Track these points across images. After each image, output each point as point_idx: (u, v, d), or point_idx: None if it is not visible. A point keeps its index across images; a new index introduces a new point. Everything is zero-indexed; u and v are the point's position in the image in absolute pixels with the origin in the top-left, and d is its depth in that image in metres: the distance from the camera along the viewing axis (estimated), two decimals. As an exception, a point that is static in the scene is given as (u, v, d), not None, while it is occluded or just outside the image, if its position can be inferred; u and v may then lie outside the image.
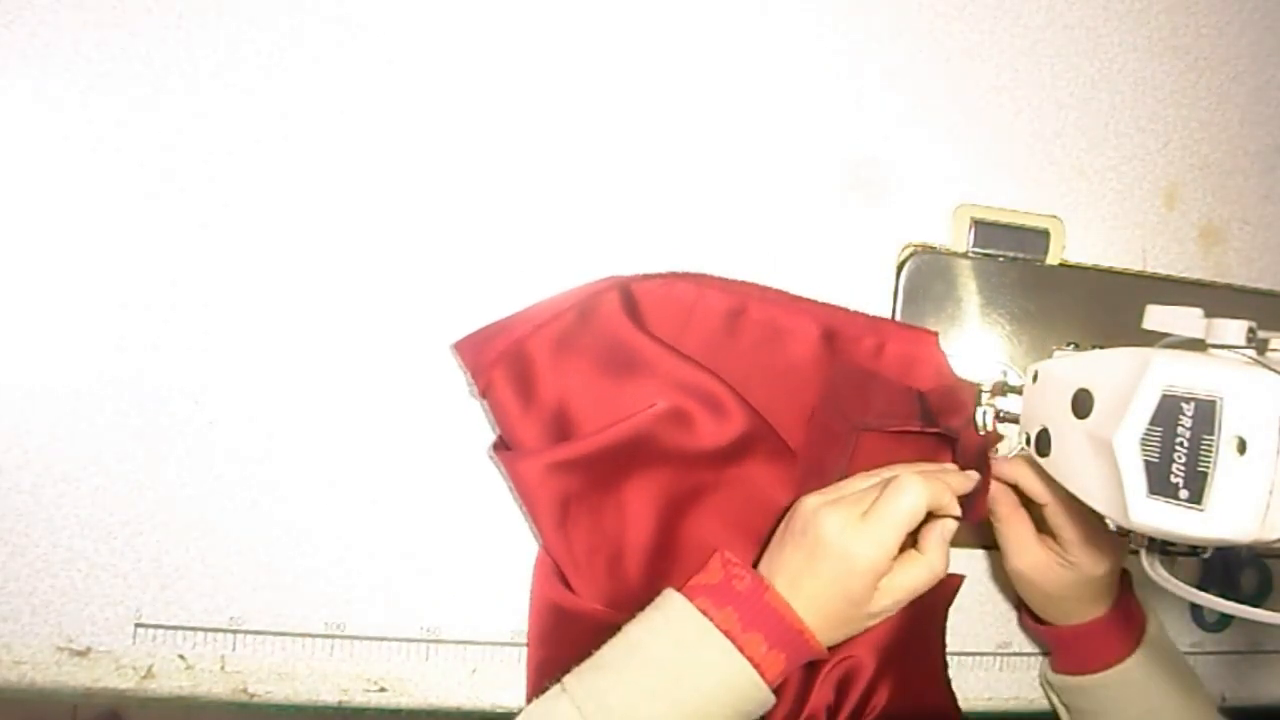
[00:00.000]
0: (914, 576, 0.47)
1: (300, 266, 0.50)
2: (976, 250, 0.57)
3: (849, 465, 0.53)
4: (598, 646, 0.46)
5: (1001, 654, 0.59)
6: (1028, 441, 0.49)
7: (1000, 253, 0.57)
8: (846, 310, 0.55)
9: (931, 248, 0.57)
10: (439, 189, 0.51)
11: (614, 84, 0.53)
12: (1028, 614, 0.57)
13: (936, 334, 0.55)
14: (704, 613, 0.44)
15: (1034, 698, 0.60)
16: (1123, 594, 0.54)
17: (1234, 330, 0.39)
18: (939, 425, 0.53)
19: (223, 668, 0.49)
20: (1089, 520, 0.50)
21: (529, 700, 0.49)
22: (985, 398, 0.54)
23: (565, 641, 0.49)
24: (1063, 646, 0.56)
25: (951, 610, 0.58)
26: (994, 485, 0.52)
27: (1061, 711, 0.57)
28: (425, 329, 0.51)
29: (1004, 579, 0.60)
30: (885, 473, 0.50)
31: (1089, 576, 0.51)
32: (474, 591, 0.52)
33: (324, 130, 0.50)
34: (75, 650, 0.48)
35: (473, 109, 0.51)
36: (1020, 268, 0.58)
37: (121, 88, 0.47)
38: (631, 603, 0.48)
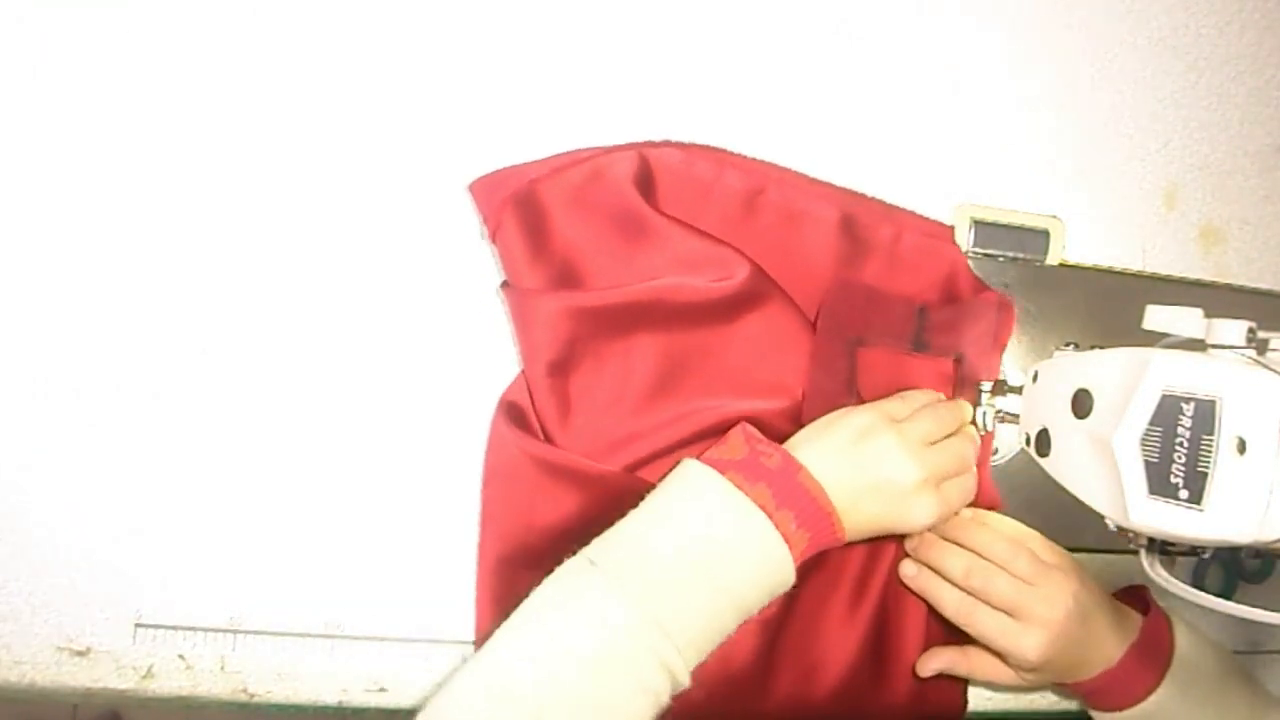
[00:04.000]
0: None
1: (300, 264, 0.50)
2: (976, 250, 0.57)
3: (853, 384, 0.53)
4: (567, 497, 0.48)
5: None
6: (1028, 441, 0.49)
7: (1000, 253, 0.57)
8: (865, 196, 0.55)
9: (931, 248, 0.57)
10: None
11: (619, 83, 0.53)
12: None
13: (952, 228, 0.56)
14: (738, 488, 0.43)
15: (1034, 697, 0.60)
16: (1145, 624, 0.52)
17: (1234, 330, 0.39)
18: (932, 348, 0.54)
19: (223, 668, 0.49)
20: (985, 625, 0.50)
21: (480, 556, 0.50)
22: (985, 398, 0.54)
23: (530, 489, 0.49)
24: (1088, 695, 0.54)
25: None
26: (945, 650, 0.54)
27: None
28: (425, 332, 0.51)
29: (1004, 579, 0.60)
30: (923, 396, 0.52)
31: (1036, 668, 0.50)
32: (474, 592, 0.52)
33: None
34: (75, 650, 0.48)
35: None
36: (1020, 268, 0.58)
37: (117, 81, 0.47)
38: (613, 452, 0.49)
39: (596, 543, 0.44)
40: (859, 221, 0.54)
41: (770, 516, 0.43)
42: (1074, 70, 0.59)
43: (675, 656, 0.41)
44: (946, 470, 0.49)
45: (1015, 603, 0.49)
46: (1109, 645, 0.50)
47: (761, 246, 0.52)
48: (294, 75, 0.49)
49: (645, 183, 0.51)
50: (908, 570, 0.53)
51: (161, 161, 0.48)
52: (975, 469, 0.51)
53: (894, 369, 0.54)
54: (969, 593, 0.51)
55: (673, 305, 0.50)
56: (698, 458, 0.46)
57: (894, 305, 0.54)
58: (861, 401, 0.53)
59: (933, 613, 0.53)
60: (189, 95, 0.48)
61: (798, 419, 0.51)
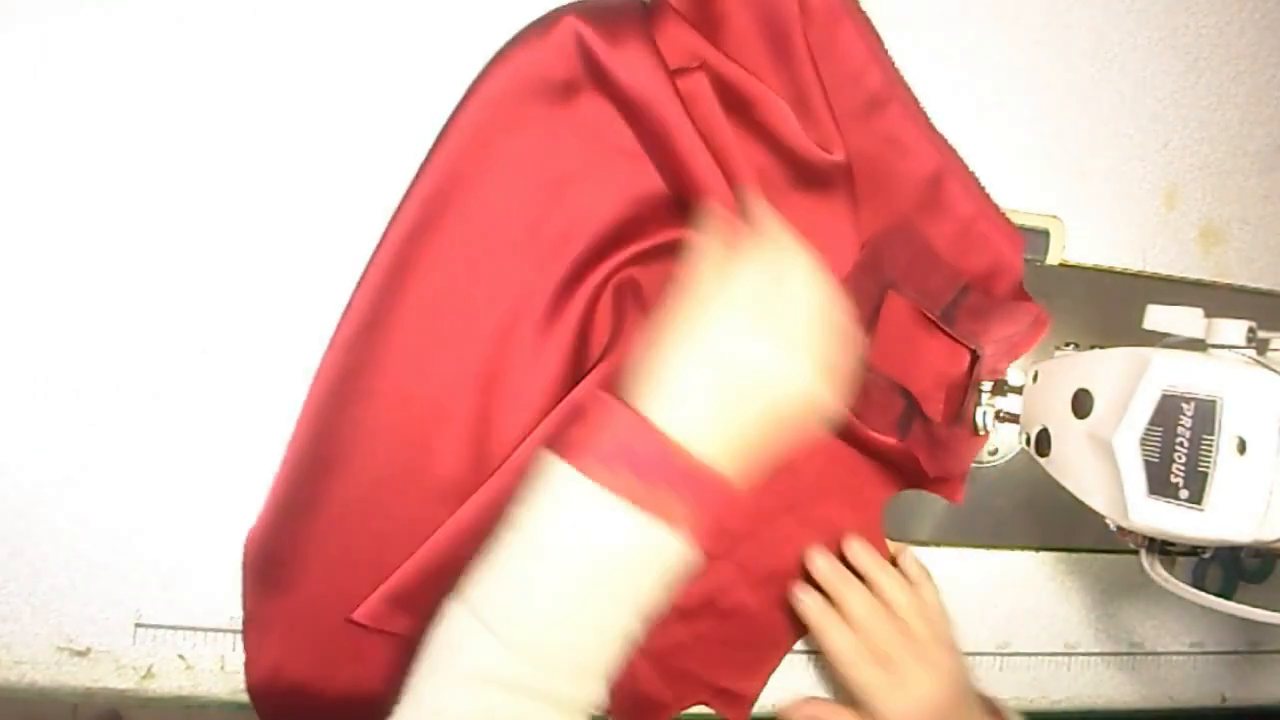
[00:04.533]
0: None
1: (300, 264, 0.49)
2: (976, 250, 0.57)
3: (874, 322, 0.53)
4: None
5: (1001, 654, 0.59)
6: (1028, 441, 0.49)
7: (1000, 253, 0.57)
8: (967, 168, 0.55)
9: (931, 248, 0.57)
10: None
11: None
12: None
13: (1024, 239, 0.56)
14: (599, 483, 0.37)
15: (1034, 698, 0.60)
16: None
17: (1234, 330, 0.39)
18: (956, 327, 0.53)
19: (223, 668, 0.49)
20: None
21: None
22: (985, 398, 0.54)
23: None
24: None
25: (952, 611, 0.58)
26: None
27: None
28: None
29: (1004, 580, 0.60)
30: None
31: None
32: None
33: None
34: (75, 650, 0.48)
35: None
36: (1020, 268, 0.58)
37: (117, 81, 0.47)
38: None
39: (474, 583, 0.39)
40: (947, 185, 0.54)
41: (641, 502, 0.37)
42: (1074, 70, 0.59)
43: (574, 693, 0.38)
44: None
45: (899, 659, 0.50)
46: None
47: (856, 152, 0.52)
48: (296, 75, 0.49)
49: (808, 16, 0.51)
50: (805, 600, 0.52)
51: (162, 161, 0.48)
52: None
53: (912, 335, 0.54)
54: (857, 633, 0.51)
55: (780, 135, 0.49)
56: (559, 452, 0.39)
57: (942, 269, 0.54)
58: (872, 351, 0.53)
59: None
60: (189, 94, 0.48)
61: None
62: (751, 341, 0.39)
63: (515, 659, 0.37)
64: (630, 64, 0.47)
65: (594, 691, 0.39)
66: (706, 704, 0.54)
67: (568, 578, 0.38)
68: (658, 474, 0.38)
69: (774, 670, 0.55)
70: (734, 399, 0.39)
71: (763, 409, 0.40)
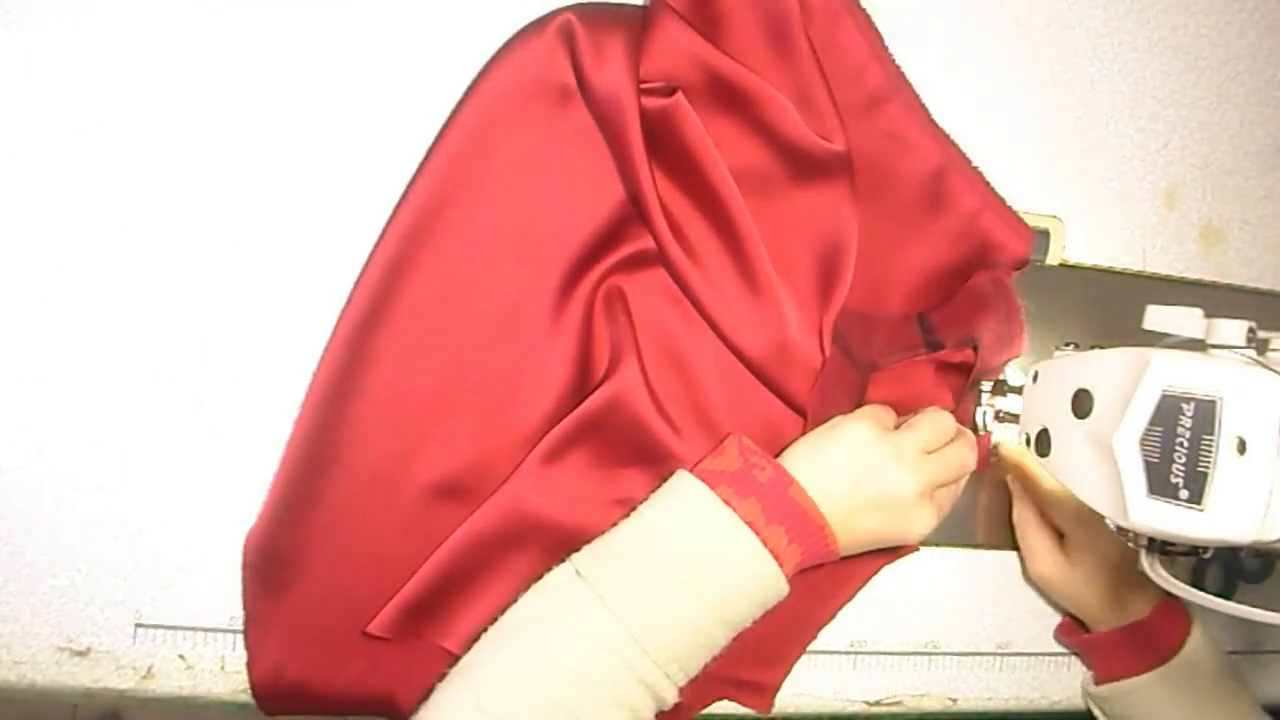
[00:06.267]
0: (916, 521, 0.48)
1: (301, 263, 0.49)
2: (976, 250, 0.57)
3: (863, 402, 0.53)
4: None
5: (1001, 654, 0.59)
6: (1028, 442, 0.49)
7: (1000, 253, 0.57)
8: (969, 162, 0.55)
9: (931, 248, 0.57)
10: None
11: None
12: (1065, 625, 0.59)
13: (1035, 236, 0.56)
14: (726, 503, 0.43)
15: (1034, 698, 0.60)
16: (1165, 601, 0.53)
17: (1234, 330, 0.39)
18: (947, 343, 0.53)
19: (223, 668, 0.49)
20: (1086, 523, 0.52)
21: None
22: (985, 398, 0.54)
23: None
24: (1096, 654, 0.57)
25: (952, 611, 0.58)
26: (1017, 502, 0.56)
27: None
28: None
29: (1004, 580, 0.60)
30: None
31: (1099, 575, 0.52)
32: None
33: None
34: (75, 650, 0.48)
35: None
36: (1020, 268, 0.58)
37: (120, 82, 0.47)
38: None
39: (585, 551, 0.44)
40: (950, 180, 0.54)
41: (759, 532, 0.43)
42: (1074, 70, 0.59)
43: (655, 673, 0.41)
44: (944, 479, 0.49)
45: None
46: (1136, 606, 0.53)
47: (858, 149, 0.52)
48: (296, 75, 0.49)
49: (808, 14, 0.51)
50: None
51: (160, 159, 0.48)
52: (971, 471, 0.52)
53: (908, 379, 0.54)
54: None
55: (780, 130, 0.49)
56: (691, 469, 0.46)
57: (895, 321, 0.54)
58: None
59: None
60: (190, 92, 0.48)
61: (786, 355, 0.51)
62: (888, 463, 0.46)
63: (618, 627, 0.41)
64: (605, 79, 0.48)
65: (671, 683, 0.42)
66: (730, 698, 0.53)
67: (679, 573, 0.42)
68: (780, 513, 0.44)
69: (797, 659, 0.55)
70: (858, 487, 0.46)
71: (880, 509, 0.46)
